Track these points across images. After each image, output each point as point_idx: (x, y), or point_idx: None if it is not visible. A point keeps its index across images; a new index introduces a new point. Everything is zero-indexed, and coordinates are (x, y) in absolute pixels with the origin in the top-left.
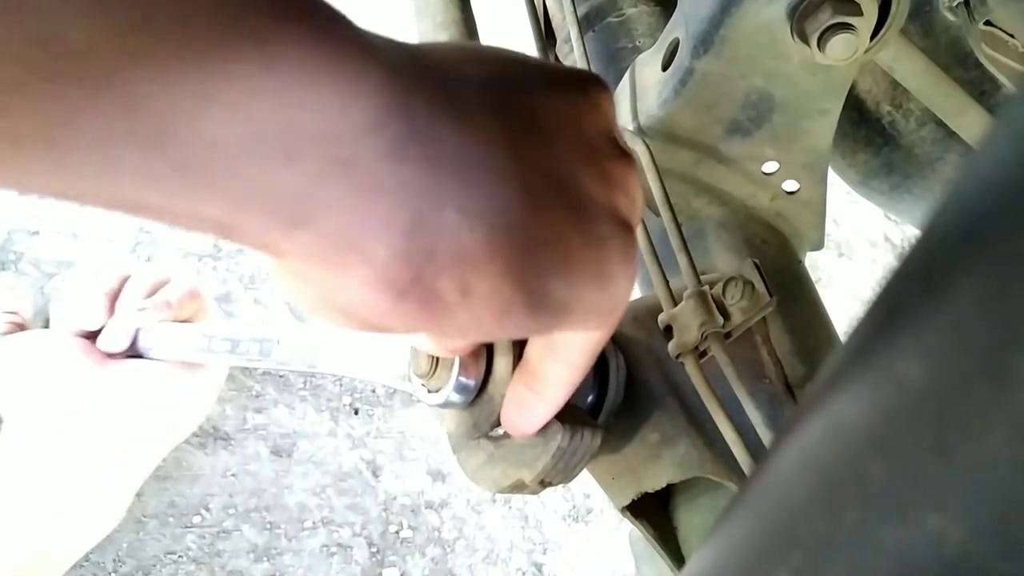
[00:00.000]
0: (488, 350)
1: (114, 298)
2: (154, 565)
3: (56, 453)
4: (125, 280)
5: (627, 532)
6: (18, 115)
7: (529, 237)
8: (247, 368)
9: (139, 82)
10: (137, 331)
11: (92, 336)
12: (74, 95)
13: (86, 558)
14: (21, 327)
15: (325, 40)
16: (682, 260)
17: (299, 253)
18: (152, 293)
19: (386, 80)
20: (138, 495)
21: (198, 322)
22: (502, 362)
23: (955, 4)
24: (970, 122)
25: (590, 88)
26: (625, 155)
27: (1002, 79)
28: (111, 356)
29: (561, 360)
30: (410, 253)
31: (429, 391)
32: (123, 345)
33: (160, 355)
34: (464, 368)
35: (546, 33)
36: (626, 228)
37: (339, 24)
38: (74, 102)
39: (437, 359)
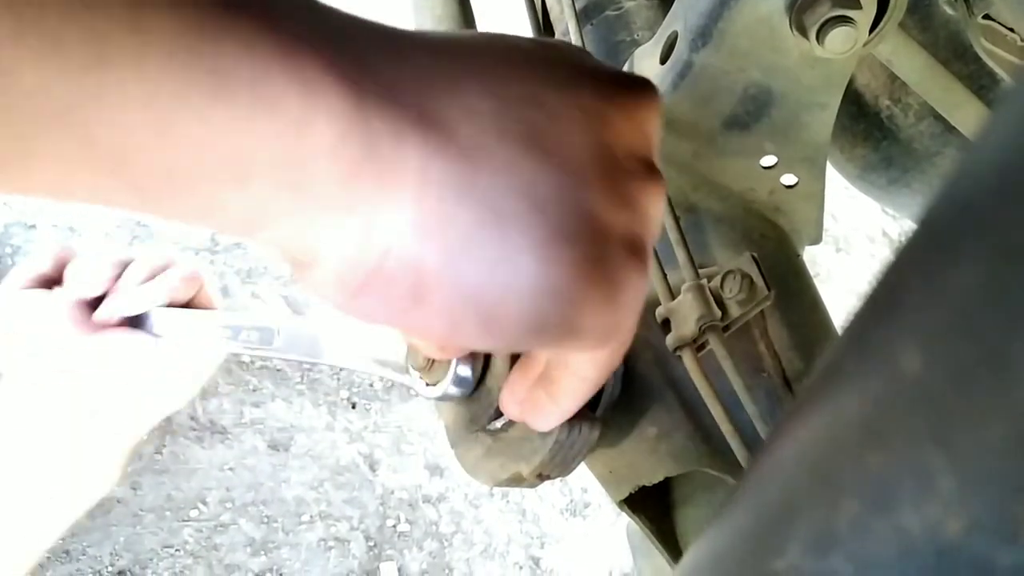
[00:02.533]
0: None
1: (117, 274)
2: (151, 559)
3: (43, 411)
4: (128, 262)
5: (625, 526)
6: None
7: (489, 258)
8: (244, 362)
9: (96, 119)
10: (137, 311)
11: (92, 305)
12: (28, 131)
13: (83, 551)
14: (47, 286)
15: (279, 61)
16: (680, 253)
17: (261, 245)
18: (153, 276)
19: (346, 99)
20: (135, 489)
21: (199, 308)
22: (500, 356)
23: None
24: (969, 116)
25: (627, 97)
26: (654, 175)
27: (1001, 73)
28: (106, 327)
29: (574, 373)
30: (359, 261)
31: (427, 384)
32: (118, 317)
33: (158, 335)
34: (462, 360)
35: (544, 26)
36: (640, 253)
37: (300, 41)
38: (28, 136)
39: None
